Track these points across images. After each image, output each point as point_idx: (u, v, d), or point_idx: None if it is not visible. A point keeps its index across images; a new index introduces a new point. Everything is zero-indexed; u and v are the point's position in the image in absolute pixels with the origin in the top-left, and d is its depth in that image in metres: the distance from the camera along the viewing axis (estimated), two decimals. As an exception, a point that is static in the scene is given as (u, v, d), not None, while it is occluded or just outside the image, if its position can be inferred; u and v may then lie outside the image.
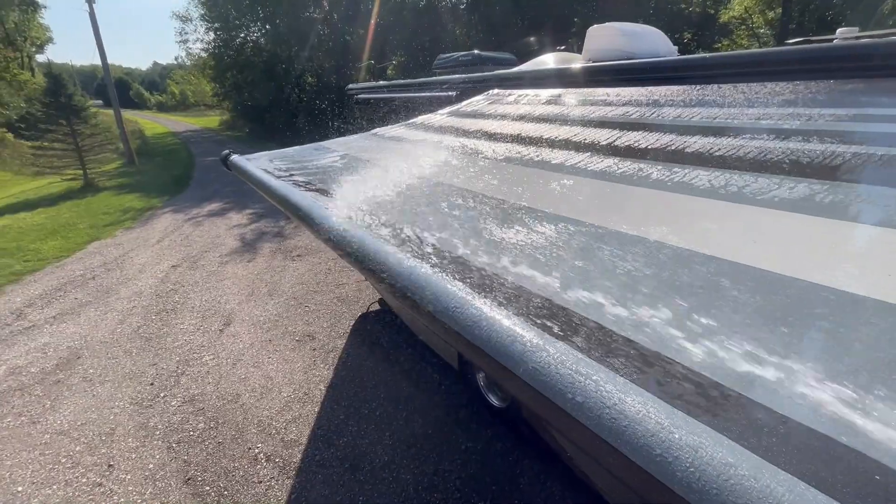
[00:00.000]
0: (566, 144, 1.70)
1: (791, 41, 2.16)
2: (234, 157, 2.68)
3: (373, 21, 16.60)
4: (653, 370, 0.59)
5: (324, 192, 1.66)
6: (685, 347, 0.61)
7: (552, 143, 1.75)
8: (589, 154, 1.55)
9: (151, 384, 3.07)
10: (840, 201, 0.99)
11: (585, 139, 1.70)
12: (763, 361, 0.57)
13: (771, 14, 16.72)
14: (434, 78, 3.94)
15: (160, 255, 5.61)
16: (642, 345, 0.63)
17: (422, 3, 17.68)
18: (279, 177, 1.90)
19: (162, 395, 2.96)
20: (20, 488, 2.27)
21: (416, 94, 3.68)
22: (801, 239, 0.87)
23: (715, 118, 1.61)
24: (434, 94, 3.35)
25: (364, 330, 3.69)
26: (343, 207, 1.40)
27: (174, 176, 11.36)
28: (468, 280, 0.84)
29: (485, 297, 0.75)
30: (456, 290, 0.76)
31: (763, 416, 0.50)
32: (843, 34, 2.32)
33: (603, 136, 1.69)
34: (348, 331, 3.67)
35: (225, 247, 5.83)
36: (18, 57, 26.04)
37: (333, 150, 2.43)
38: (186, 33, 20.66)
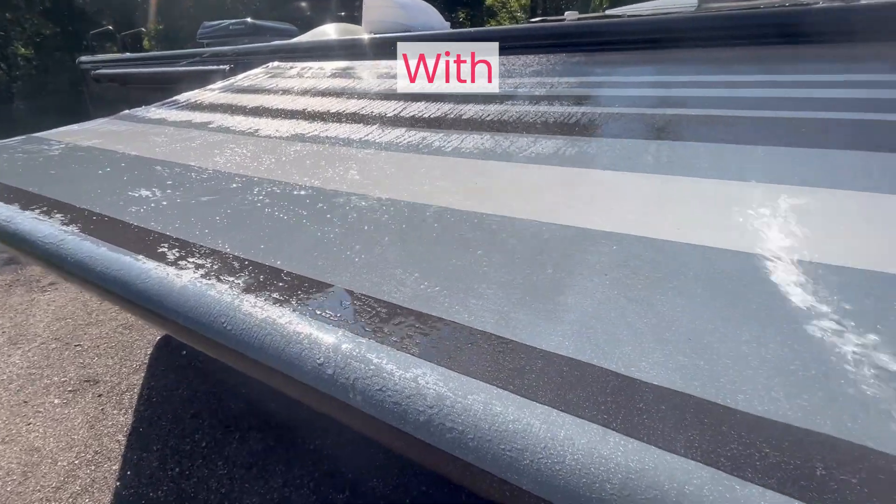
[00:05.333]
0: (354, 118, 1.67)
1: (533, 20, 2.53)
2: None
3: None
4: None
5: (40, 196, 1.24)
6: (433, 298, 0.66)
7: (340, 118, 1.69)
8: (377, 126, 1.55)
9: None
10: (579, 153, 1.21)
11: (373, 112, 1.69)
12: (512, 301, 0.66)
13: (524, 0, 20.65)
14: (201, 49, 3.36)
15: None
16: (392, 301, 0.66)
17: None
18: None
19: None
20: None
21: (180, 68, 3.09)
22: (553, 187, 1.03)
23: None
24: (202, 67, 2.86)
25: (169, 353, 3.10)
26: (69, 214, 1.07)
27: None
28: (237, 282, 0.74)
29: (262, 296, 0.67)
30: (219, 295, 0.66)
31: (520, 354, 0.56)
32: (569, 16, 2.83)
33: (389, 108, 1.70)
34: (146, 361, 3.03)
35: (-84, 294, 4.07)
36: None
37: (60, 141, 1.85)
38: None
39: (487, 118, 1.49)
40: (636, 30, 1.92)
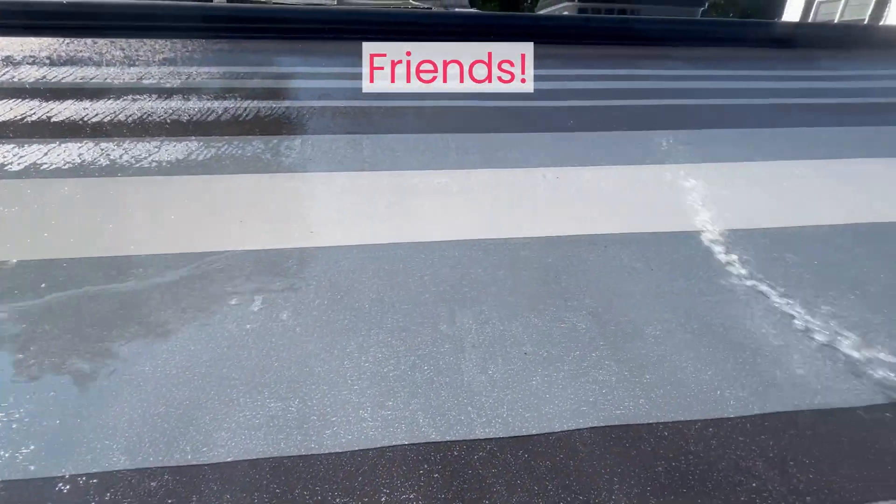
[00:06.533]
0: None
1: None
2: None
3: None
4: None
5: None
6: None
7: None
8: None
9: None
10: (214, 155, 1.03)
11: None
12: None
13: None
14: None
15: None
16: None
17: None
18: None
19: None
20: None
21: None
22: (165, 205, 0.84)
23: (92, 78, 1.36)
24: None
25: None
26: None
27: None
28: None
29: None
30: None
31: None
32: (219, -2, 2.52)
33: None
34: None
35: None
36: None
37: None
38: None
39: (94, 119, 1.13)
40: (280, 17, 1.83)
